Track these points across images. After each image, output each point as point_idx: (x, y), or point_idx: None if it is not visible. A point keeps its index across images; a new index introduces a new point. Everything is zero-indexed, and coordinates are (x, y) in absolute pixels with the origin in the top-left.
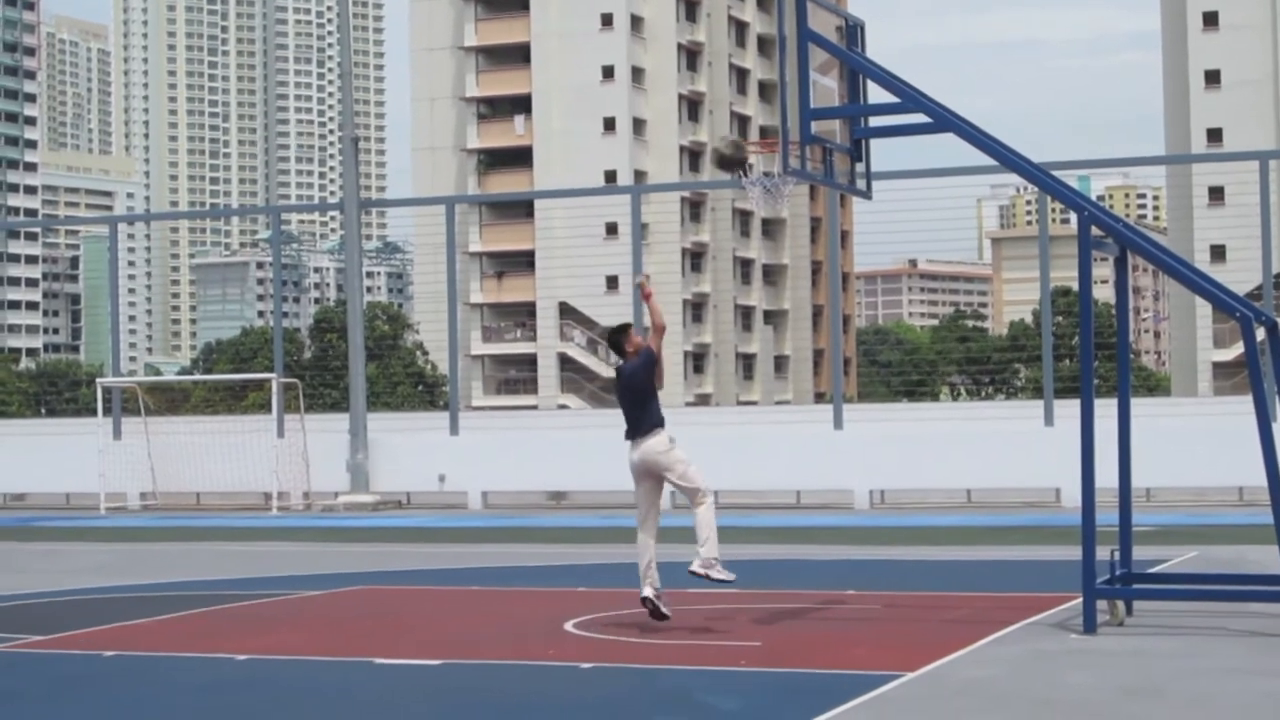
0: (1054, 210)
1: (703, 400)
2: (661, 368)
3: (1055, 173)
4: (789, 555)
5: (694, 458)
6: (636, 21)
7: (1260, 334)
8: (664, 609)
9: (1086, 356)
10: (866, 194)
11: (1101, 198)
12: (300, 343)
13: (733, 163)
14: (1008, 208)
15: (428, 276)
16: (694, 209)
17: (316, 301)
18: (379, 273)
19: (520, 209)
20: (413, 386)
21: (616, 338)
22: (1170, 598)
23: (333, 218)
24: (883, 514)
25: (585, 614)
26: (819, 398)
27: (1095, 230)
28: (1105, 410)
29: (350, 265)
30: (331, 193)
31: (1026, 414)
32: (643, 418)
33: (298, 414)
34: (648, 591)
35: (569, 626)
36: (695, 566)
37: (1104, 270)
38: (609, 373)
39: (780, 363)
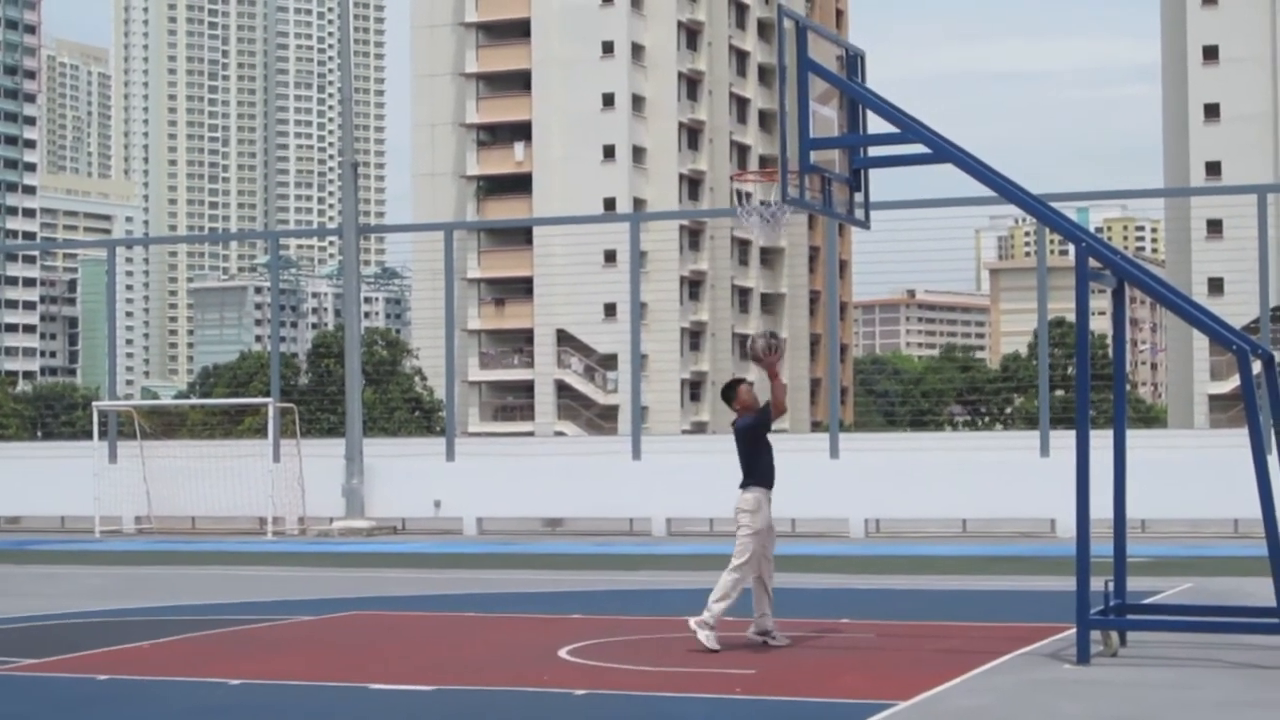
0: (1052, 241)
1: (699, 428)
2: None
3: (1054, 204)
4: (784, 583)
5: (697, 493)
6: (637, 50)
7: (1257, 367)
8: (771, 639)
9: (1083, 387)
10: (865, 224)
11: (1100, 229)
12: (297, 367)
13: (764, 358)
14: (1006, 239)
15: (426, 302)
16: (693, 237)
17: (314, 326)
18: (377, 298)
19: (519, 235)
20: (409, 412)
21: (727, 395)
22: (1164, 629)
23: (331, 243)
24: (878, 543)
25: (580, 640)
26: (816, 426)
27: (1093, 262)
28: (1101, 441)
29: (348, 291)
30: (330, 218)
31: (1022, 444)
32: (744, 470)
33: (294, 439)
34: (750, 632)
35: (563, 653)
36: (694, 620)
37: (1102, 302)
38: (606, 399)
39: None
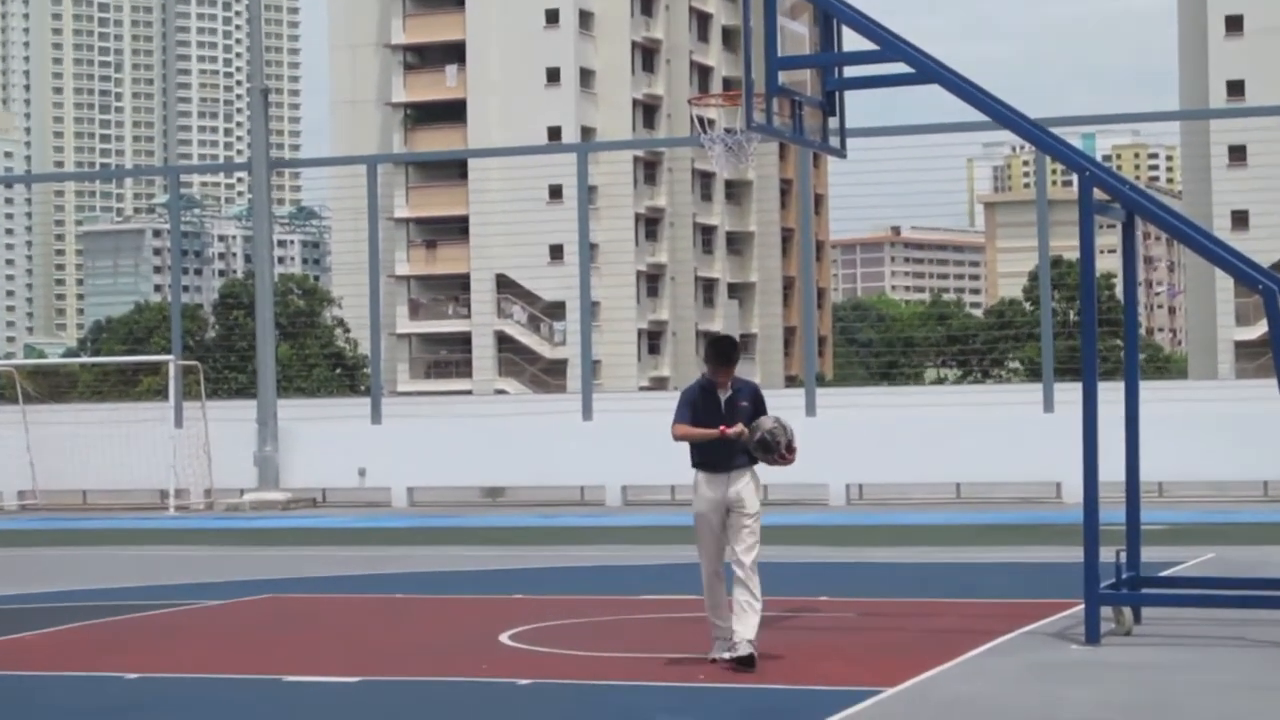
0: (1054, 172)
1: (658, 384)
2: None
3: (1056, 130)
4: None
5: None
6: None
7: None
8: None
9: (1089, 334)
10: (841, 152)
11: (1108, 158)
12: (202, 320)
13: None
14: (1002, 169)
15: (347, 246)
16: (649, 170)
17: (221, 274)
18: (292, 241)
19: (452, 170)
20: (330, 369)
21: (732, 352)
22: (1183, 604)
23: (239, 179)
24: (860, 511)
25: (524, 624)
26: (790, 381)
27: (1099, 193)
28: (1111, 395)
29: (259, 233)
30: (239, 151)
31: (1023, 399)
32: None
33: (198, 401)
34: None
35: (505, 638)
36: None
37: (1110, 238)
38: (553, 353)
39: (747, 342)
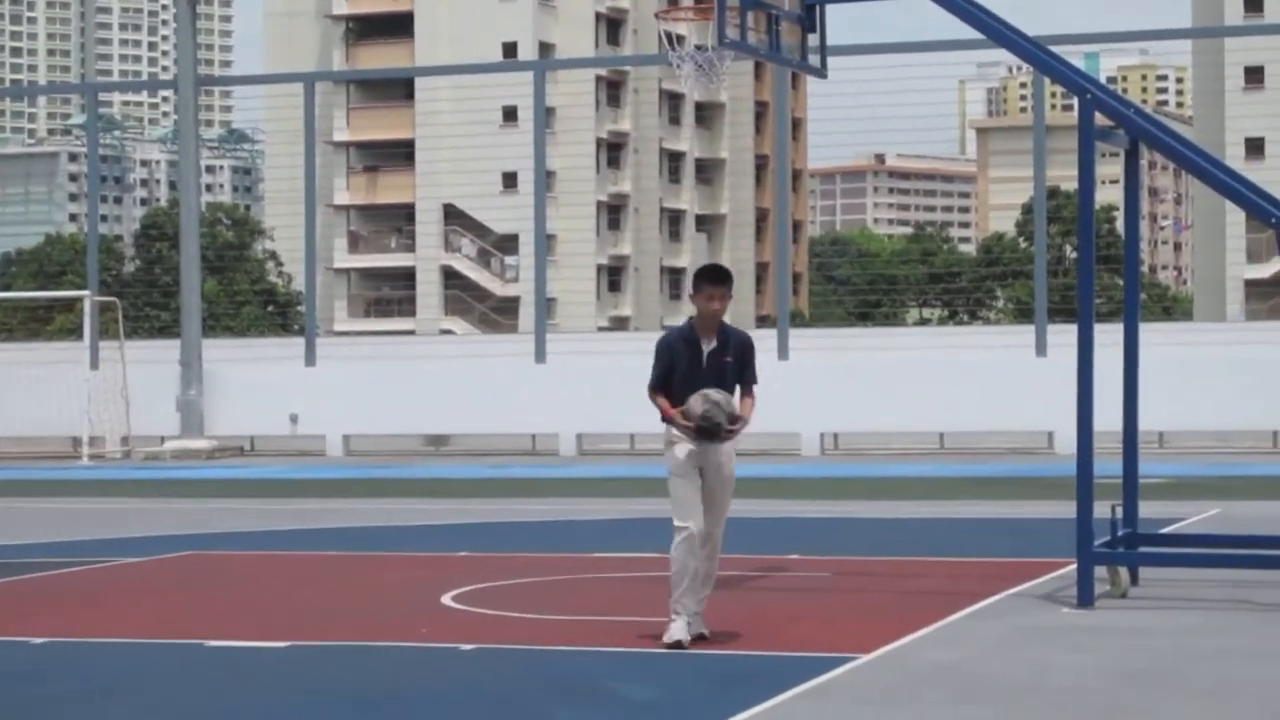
0: (1054, 95)
1: (619, 324)
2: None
3: (1056, 49)
4: None
5: (614, 403)
6: None
7: None
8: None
9: (1086, 270)
10: (821, 72)
11: (1113, 80)
12: (121, 254)
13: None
14: (997, 91)
15: (282, 171)
16: (612, 91)
17: (143, 202)
18: (221, 167)
19: (397, 90)
20: (261, 307)
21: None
22: (1184, 564)
23: (164, 98)
24: (836, 462)
25: (468, 584)
26: (762, 321)
27: (1101, 118)
28: (1110, 337)
29: (185, 158)
30: (163, 68)
31: (1014, 341)
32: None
33: (116, 340)
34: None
35: (447, 599)
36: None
37: (1112, 168)
38: (504, 290)
39: None
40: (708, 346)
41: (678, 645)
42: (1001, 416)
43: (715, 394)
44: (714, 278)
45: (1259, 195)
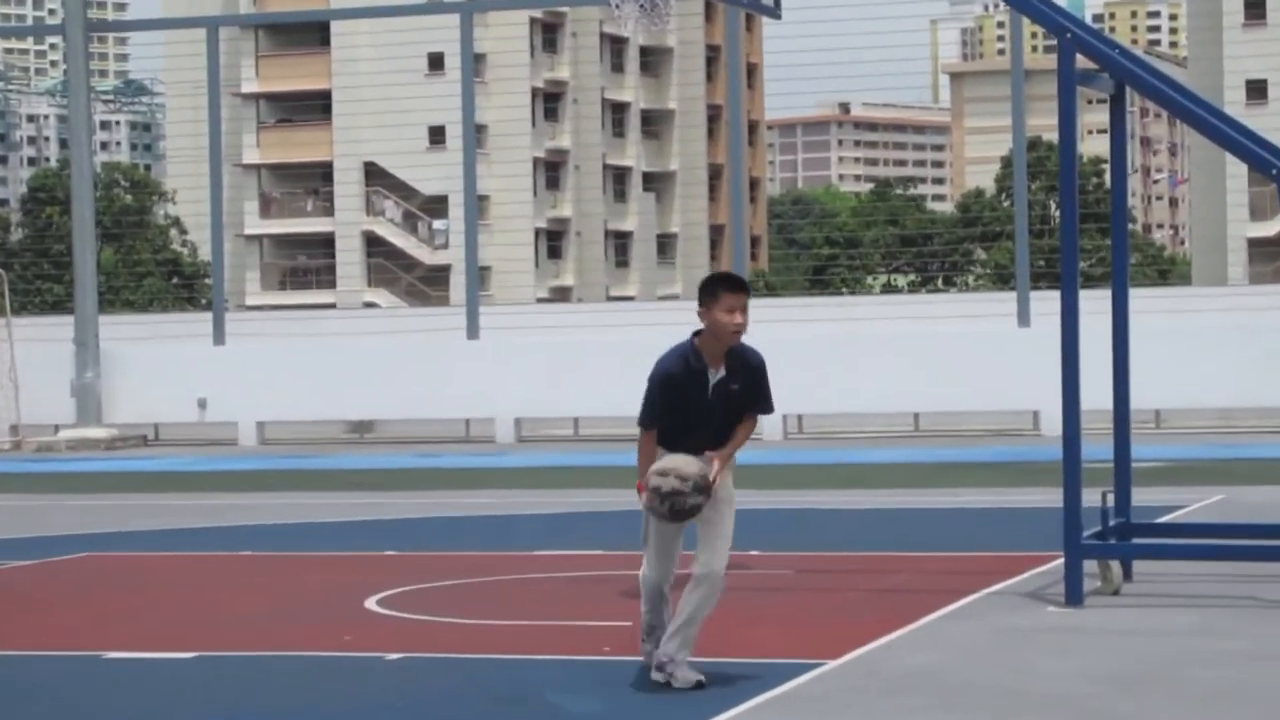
0: (1034, 35)
1: (560, 295)
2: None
3: None
4: None
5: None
6: None
7: None
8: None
9: (1069, 230)
10: (774, 12)
11: (1099, 18)
12: (7, 220)
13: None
14: (972, 32)
15: (185, 127)
16: (548, 35)
17: (30, 162)
18: (118, 123)
19: (312, 35)
20: (164, 279)
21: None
22: (1182, 556)
23: (52, 46)
24: (800, 447)
25: (395, 586)
26: None
27: (1084, 60)
28: (1100, 305)
29: (76, 112)
30: (50, 11)
31: (995, 310)
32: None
33: (3, 318)
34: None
35: (372, 603)
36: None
37: (1100, 116)
38: (433, 258)
39: (665, 243)
40: (715, 375)
41: (698, 685)
42: (981, 394)
43: (683, 466)
44: (735, 284)
45: (1259, 144)
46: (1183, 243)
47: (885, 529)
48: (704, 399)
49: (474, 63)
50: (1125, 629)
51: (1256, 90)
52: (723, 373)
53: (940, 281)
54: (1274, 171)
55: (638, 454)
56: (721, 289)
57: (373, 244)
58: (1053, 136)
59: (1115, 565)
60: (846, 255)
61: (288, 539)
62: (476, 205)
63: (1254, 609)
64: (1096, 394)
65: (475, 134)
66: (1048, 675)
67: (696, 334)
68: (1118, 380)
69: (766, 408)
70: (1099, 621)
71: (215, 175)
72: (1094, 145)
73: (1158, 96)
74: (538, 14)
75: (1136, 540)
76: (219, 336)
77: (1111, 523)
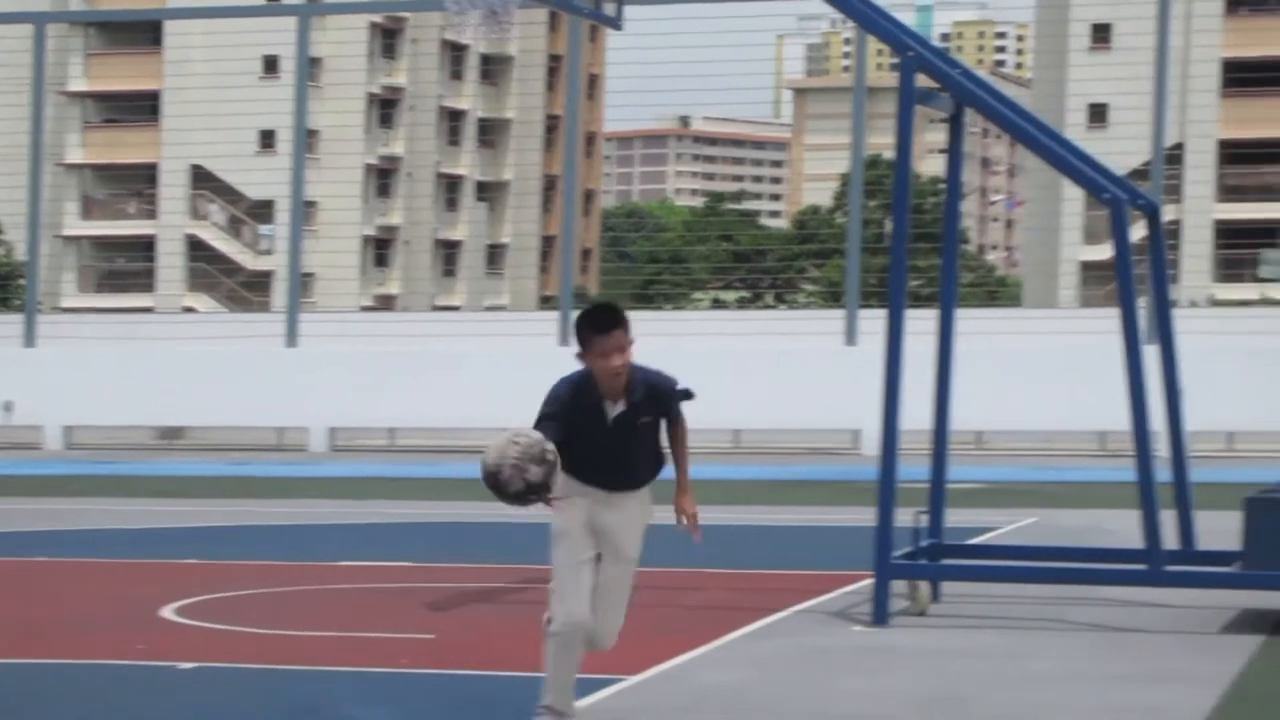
0: (879, 52)
1: (385, 303)
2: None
3: (885, 1)
4: (487, 515)
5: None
6: None
7: (1139, 224)
8: None
9: (899, 248)
10: (615, 22)
11: (947, 36)
12: None
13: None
14: (818, 48)
15: (5, 125)
16: (387, 40)
17: None
18: None
19: (144, 34)
20: None
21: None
22: (991, 577)
23: None
24: None
25: (194, 595)
26: (546, 302)
27: (925, 79)
28: (931, 324)
29: None
30: None
31: (822, 329)
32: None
33: None
34: None
35: (168, 612)
36: None
37: (941, 135)
38: (256, 263)
39: (495, 254)
40: (614, 410)
41: None
42: (804, 412)
43: (520, 437)
44: (601, 325)
45: (1093, 168)
46: (1015, 264)
47: (697, 546)
48: (605, 428)
49: (309, 66)
50: (929, 650)
51: (1098, 114)
52: (623, 407)
53: (771, 298)
54: (1106, 195)
55: None
56: (587, 333)
57: (195, 248)
58: (893, 154)
59: (924, 586)
60: (676, 270)
61: (85, 545)
62: (303, 211)
63: (1058, 631)
64: (920, 414)
65: (307, 139)
66: (848, 695)
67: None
68: (939, 401)
69: (678, 416)
70: (903, 642)
71: (35, 174)
72: (933, 165)
73: (995, 117)
74: (378, 19)
75: (946, 561)
76: (29, 338)
77: (923, 543)
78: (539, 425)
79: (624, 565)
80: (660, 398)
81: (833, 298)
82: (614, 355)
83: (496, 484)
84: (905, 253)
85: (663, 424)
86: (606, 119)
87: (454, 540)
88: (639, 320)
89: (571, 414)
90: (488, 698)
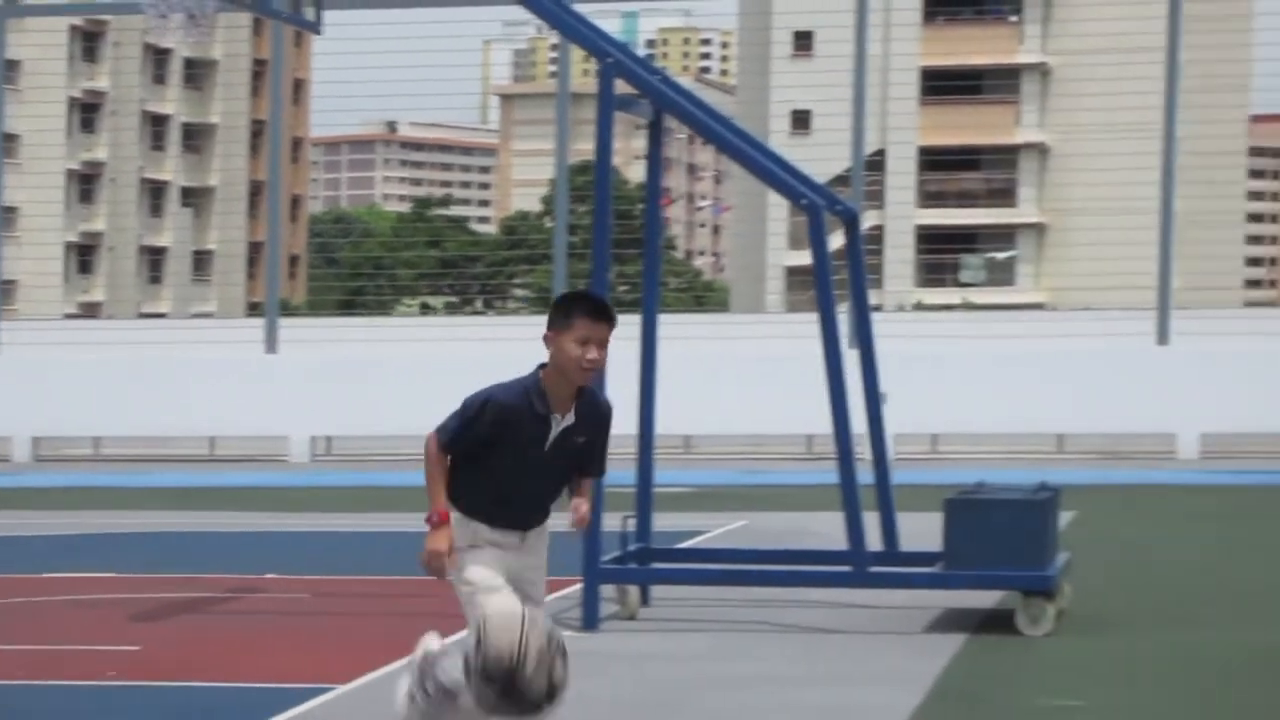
0: (585, 59)
1: (89, 311)
2: None
3: (591, 7)
4: (194, 525)
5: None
6: None
7: (837, 231)
8: None
9: (601, 253)
10: (314, 27)
11: (653, 43)
12: None
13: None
14: (526, 54)
15: None
16: (88, 43)
17: None
18: None
19: None
20: None
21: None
22: (697, 581)
23: None
24: (327, 468)
25: None
26: (254, 309)
27: (626, 85)
28: (636, 329)
29: None
30: None
31: (531, 334)
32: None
33: None
34: None
35: None
36: None
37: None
38: None
39: (202, 260)
40: (559, 423)
41: None
42: None
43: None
44: (596, 310)
45: (792, 174)
46: (722, 270)
47: (407, 553)
48: (540, 451)
49: (6, 69)
50: (638, 654)
51: (801, 120)
52: (571, 419)
53: (481, 304)
54: (803, 201)
55: (426, 476)
56: (578, 313)
57: None
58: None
59: (633, 590)
60: (384, 276)
61: None
62: (3, 217)
63: (766, 632)
64: (628, 419)
65: (5, 143)
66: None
67: (542, 367)
68: (644, 406)
69: (600, 468)
70: (612, 646)
71: None
72: (641, 171)
73: (693, 123)
74: (78, 21)
75: (654, 565)
76: None
77: (631, 548)
78: (450, 442)
79: (538, 612)
80: (600, 419)
81: (542, 303)
82: (594, 348)
83: (511, 686)
84: (607, 258)
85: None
86: (313, 124)
87: (159, 551)
88: (346, 327)
89: (501, 432)
90: (207, 707)
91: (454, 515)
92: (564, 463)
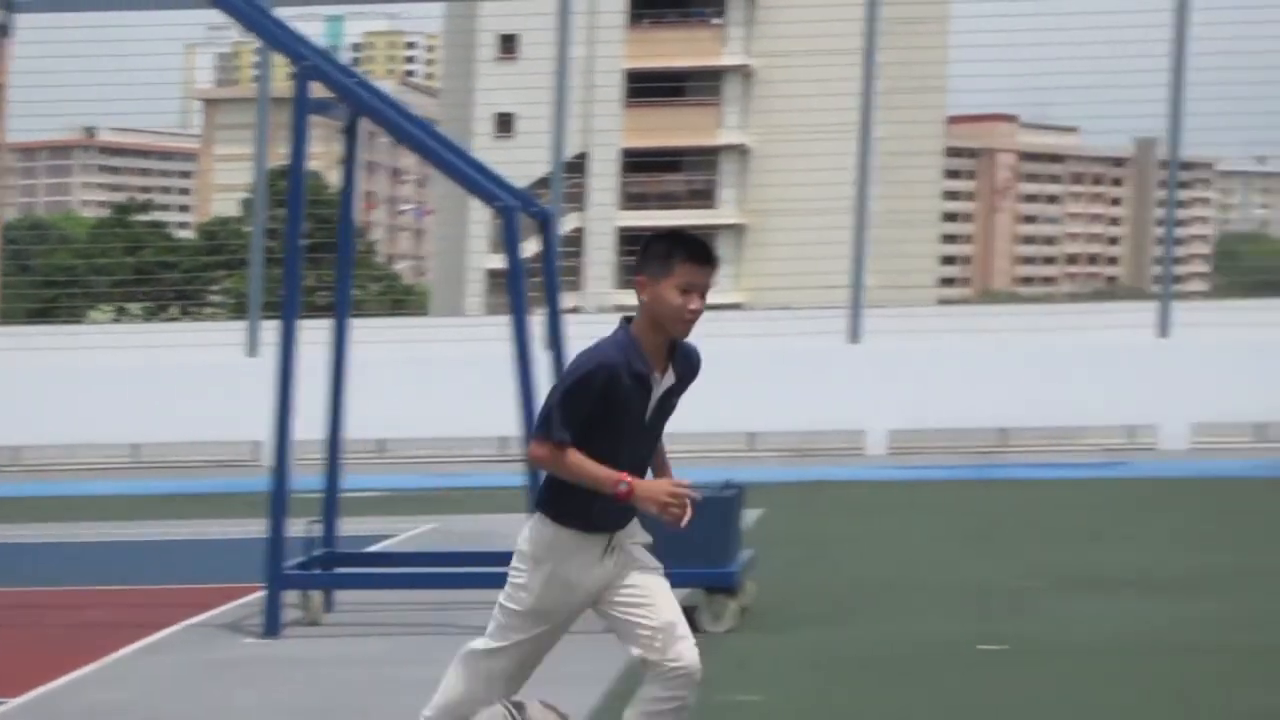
0: (287, 62)
1: None
2: None
3: (296, 10)
4: None
5: None
6: None
7: (532, 233)
8: None
9: (292, 258)
10: (4, 30)
11: (360, 46)
12: None
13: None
14: (229, 58)
15: None
16: None
17: None
18: None
19: None
20: None
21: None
22: (379, 586)
23: None
24: (14, 480)
25: None
26: None
27: (322, 89)
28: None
29: None
30: None
31: (228, 340)
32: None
33: None
34: None
35: None
36: None
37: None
38: None
39: None
40: (660, 384)
41: None
42: (205, 425)
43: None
44: (702, 254)
45: (488, 176)
46: (424, 273)
47: (88, 563)
48: (641, 421)
49: None
50: (318, 659)
51: (505, 123)
52: (671, 379)
53: (178, 310)
54: (498, 204)
55: (575, 476)
56: (680, 256)
57: None
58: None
59: (316, 595)
60: (80, 283)
61: None
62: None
63: (450, 635)
64: (322, 424)
65: None
66: (238, 709)
67: (627, 320)
68: (332, 410)
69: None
70: (294, 652)
71: None
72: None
73: (389, 126)
74: None
75: (338, 570)
76: None
77: (316, 553)
78: (561, 429)
79: (653, 570)
80: (694, 375)
81: (240, 309)
82: (697, 297)
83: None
84: (299, 262)
85: None
86: (11, 129)
87: None
88: (41, 335)
89: (605, 406)
90: None
91: (540, 522)
92: (658, 434)
